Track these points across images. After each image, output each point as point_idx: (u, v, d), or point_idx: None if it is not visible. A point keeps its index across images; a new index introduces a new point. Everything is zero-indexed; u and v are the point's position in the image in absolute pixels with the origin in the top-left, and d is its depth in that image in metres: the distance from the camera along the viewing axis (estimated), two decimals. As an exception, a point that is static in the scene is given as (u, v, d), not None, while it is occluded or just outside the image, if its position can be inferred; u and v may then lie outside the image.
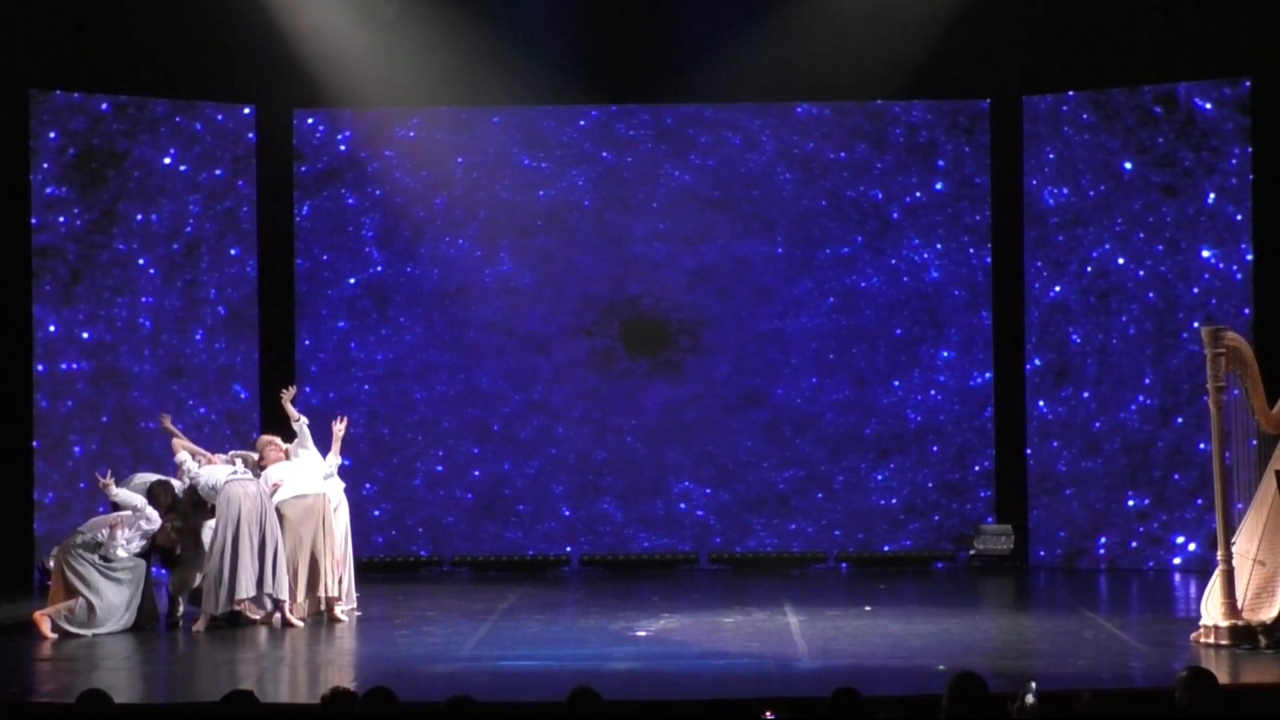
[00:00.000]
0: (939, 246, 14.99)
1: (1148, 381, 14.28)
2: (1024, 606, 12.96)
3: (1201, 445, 13.59)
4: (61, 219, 14.22)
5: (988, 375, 14.95)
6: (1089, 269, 14.48)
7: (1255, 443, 10.23)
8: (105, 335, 14.32)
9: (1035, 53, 14.44)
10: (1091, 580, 13.90)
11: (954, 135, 14.98)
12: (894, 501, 14.99)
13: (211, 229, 14.74)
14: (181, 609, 11.78)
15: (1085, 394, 14.48)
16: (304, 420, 12.15)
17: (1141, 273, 14.30)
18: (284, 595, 11.53)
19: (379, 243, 15.13)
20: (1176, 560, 14.09)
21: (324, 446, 12.12)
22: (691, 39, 14.56)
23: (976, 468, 14.94)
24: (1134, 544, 14.27)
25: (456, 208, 15.12)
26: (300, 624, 11.61)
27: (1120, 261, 14.37)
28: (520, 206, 15.10)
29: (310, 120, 15.10)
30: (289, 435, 12.18)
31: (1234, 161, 13.97)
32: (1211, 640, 10.01)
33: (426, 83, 14.57)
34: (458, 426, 15.10)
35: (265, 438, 12.25)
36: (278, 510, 11.69)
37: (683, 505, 15.09)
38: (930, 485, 14.96)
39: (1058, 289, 14.59)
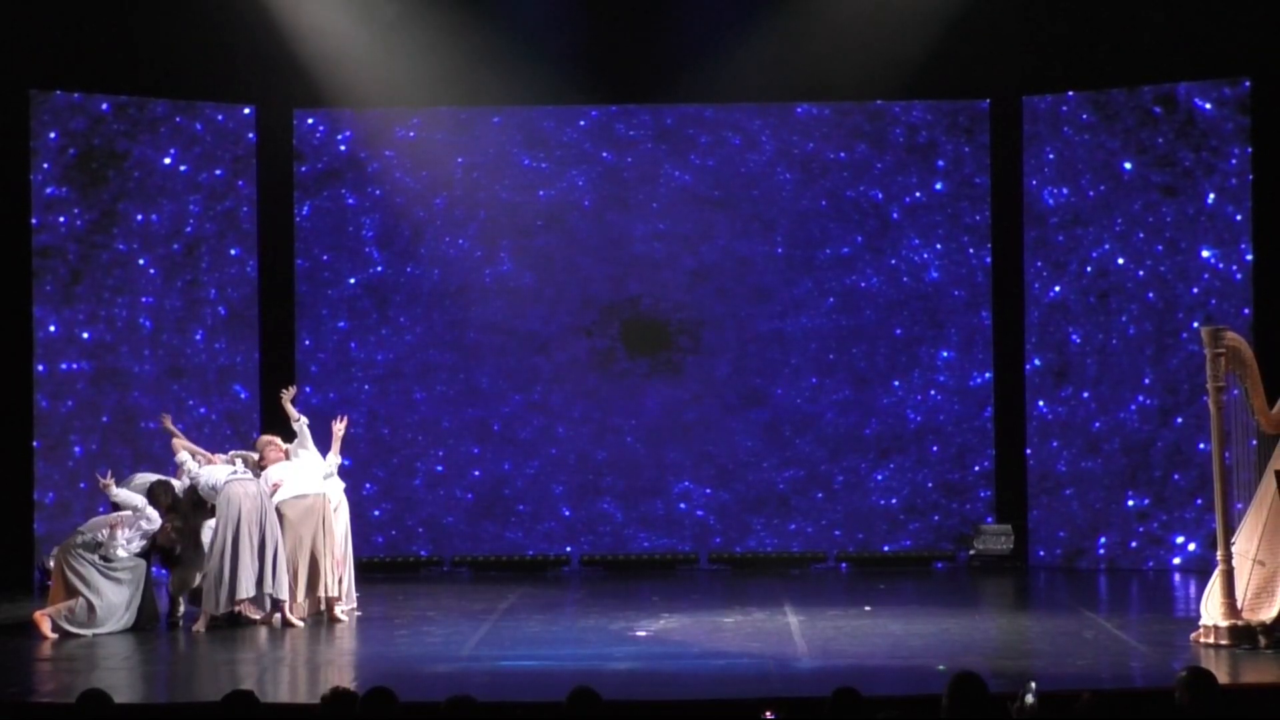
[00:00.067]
0: (939, 247, 14.99)
1: (1148, 381, 14.28)
2: (1024, 606, 12.96)
3: (1201, 445, 13.60)
4: (62, 219, 14.22)
5: (987, 375, 14.95)
6: (1089, 269, 14.48)
7: (1255, 443, 10.24)
8: (105, 335, 14.33)
9: (1035, 53, 14.44)
10: (1091, 580, 13.90)
11: (954, 135, 14.98)
12: (894, 501, 14.99)
13: (211, 229, 14.74)
14: (182, 609, 11.78)
15: (1085, 394, 14.48)
16: (304, 420, 12.16)
17: (1141, 273, 14.30)
18: (284, 595, 11.53)
19: (379, 243, 15.13)
20: (1176, 560, 14.09)
21: (324, 446, 12.12)
22: (691, 39, 14.56)
23: (976, 468, 14.94)
24: (1134, 544, 14.27)
25: (456, 208, 15.12)
26: (300, 624, 11.61)
27: (1120, 261, 14.37)
28: (520, 206, 15.10)
29: (310, 120, 15.10)
30: (289, 435, 12.18)
31: (1234, 162, 13.97)
32: (1211, 640, 10.01)
33: (426, 83, 14.58)
34: (458, 426, 15.10)
35: (265, 438, 12.26)
36: (278, 510, 11.69)
37: (683, 505, 15.09)
38: (930, 485, 14.97)
39: (1058, 289, 14.59)
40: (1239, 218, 13.93)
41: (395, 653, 10.53)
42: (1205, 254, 14.05)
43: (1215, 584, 10.09)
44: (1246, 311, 13.76)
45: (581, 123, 15.17)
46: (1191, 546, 13.99)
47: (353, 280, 15.13)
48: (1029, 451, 14.69)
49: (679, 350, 15.12)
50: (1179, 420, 14.12)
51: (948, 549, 14.85)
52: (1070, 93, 14.54)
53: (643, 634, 11.10)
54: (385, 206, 15.11)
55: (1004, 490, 14.83)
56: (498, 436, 15.10)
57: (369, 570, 14.05)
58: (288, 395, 12.26)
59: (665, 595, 13.07)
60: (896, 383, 15.03)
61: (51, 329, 14.13)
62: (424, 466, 15.10)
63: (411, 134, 15.10)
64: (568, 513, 15.10)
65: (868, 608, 12.14)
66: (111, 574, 11.38)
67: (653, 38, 14.62)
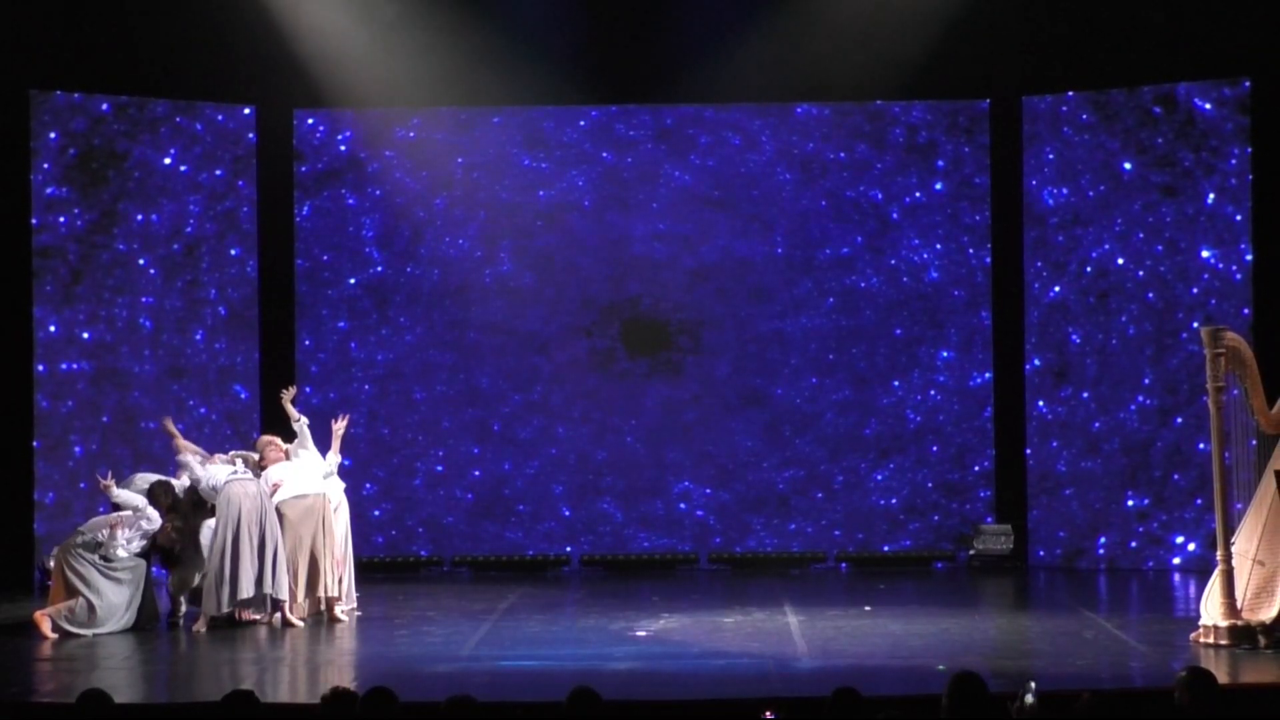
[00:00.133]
0: (939, 247, 14.99)
1: (1147, 381, 14.28)
2: (1024, 606, 12.96)
3: (1201, 445, 13.60)
4: (62, 219, 14.22)
5: (987, 375, 14.95)
6: (1089, 269, 14.48)
7: (1255, 443, 10.24)
8: (105, 335, 14.33)
9: (1035, 53, 14.44)
10: (1091, 580, 13.90)
11: (954, 135, 14.99)
12: (894, 501, 14.99)
13: (212, 229, 14.75)
14: (182, 609, 11.78)
15: (1085, 394, 14.48)
16: (304, 420, 12.16)
17: (1141, 273, 14.30)
18: (284, 595, 11.53)
19: (379, 243, 15.13)
20: (1176, 560, 14.09)
21: (324, 446, 12.12)
22: (691, 39, 14.56)
23: (976, 468, 14.94)
24: (1133, 544, 14.27)
25: (456, 208, 15.12)
26: (300, 624, 11.61)
27: (1120, 262, 14.37)
28: (520, 207, 15.10)
29: (310, 120, 15.11)
30: (289, 435, 12.18)
31: (1233, 162, 13.97)
32: (1211, 640, 10.01)
33: (426, 83, 14.58)
34: (458, 426, 15.11)
35: (265, 438, 12.26)
36: (278, 510, 11.69)
37: (683, 505, 15.09)
38: (930, 485, 14.97)
39: (1057, 289, 14.59)
40: (1239, 218, 13.93)
41: (395, 653, 10.53)
42: (1205, 254, 14.05)
43: (1215, 584, 10.09)
44: (1246, 311, 13.76)
45: (581, 123, 15.17)
46: (1191, 546, 13.99)
47: (353, 280, 15.14)
48: (1029, 451, 14.69)
49: (679, 350, 15.13)
50: (1179, 420, 14.12)
51: (948, 549, 14.85)
52: (1070, 93, 14.55)
53: (643, 634, 11.10)
54: (385, 206, 15.11)
55: (1004, 490, 14.83)
56: (498, 436, 15.10)
57: (369, 570, 14.05)
58: (288, 395, 12.26)
59: (665, 595, 13.07)
60: (896, 383, 15.04)
61: (52, 329, 14.14)
62: (424, 466, 15.11)
63: (411, 134, 15.10)
64: (568, 513, 15.10)
65: (868, 608, 12.14)
66: (112, 574, 11.39)
67: (653, 38, 14.62)
